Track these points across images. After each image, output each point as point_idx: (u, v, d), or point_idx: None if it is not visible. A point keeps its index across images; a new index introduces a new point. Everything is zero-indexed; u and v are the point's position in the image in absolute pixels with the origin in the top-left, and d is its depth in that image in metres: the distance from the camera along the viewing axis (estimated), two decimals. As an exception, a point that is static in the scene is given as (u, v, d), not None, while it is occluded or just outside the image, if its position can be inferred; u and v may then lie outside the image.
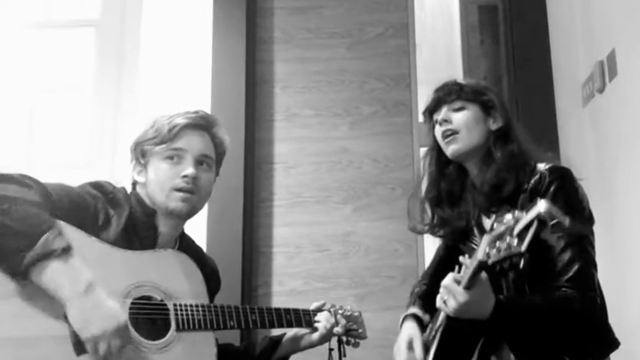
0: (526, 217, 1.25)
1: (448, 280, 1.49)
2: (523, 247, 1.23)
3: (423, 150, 2.97)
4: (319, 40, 3.11)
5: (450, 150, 1.79)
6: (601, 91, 2.46)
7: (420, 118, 3.00)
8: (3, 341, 1.39)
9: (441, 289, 1.51)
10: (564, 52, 2.93)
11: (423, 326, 1.84)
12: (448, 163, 1.85)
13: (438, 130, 1.82)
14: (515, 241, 1.25)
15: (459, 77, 1.93)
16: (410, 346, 1.77)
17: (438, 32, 4.06)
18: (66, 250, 1.42)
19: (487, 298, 1.48)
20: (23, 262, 1.38)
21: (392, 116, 3.02)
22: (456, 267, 1.57)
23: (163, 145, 1.72)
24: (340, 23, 3.12)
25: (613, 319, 1.65)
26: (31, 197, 1.46)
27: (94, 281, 1.44)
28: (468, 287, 1.43)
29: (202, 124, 1.78)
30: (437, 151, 1.87)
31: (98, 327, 1.41)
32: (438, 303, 1.55)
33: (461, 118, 1.78)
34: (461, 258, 1.54)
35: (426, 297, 1.90)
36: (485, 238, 1.37)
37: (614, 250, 2.28)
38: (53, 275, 1.40)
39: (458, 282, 1.47)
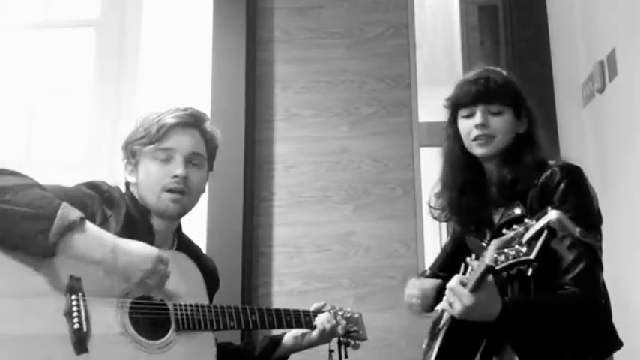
0: (536, 225, 1.24)
1: (454, 282, 1.48)
2: (532, 255, 1.22)
3: (423, 150, 3.00)
4: (319, 40, 3.11)
5: (480, 151, 1.73)
6: (601, 91, 2.47)
7: (421, 118, 3.02)
8: (2, 340, 1.38)
9: (447, 291, 1.50)
10: (564, 52, 2.93)
11: None
12: (469, 153, 1.79)
13: (468, 128, 1.74)
14: (525, 248, 1.24)
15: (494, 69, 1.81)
16: (422, 289, 1.83)
17: (438, 32, 4.07)
18: (83, 220, 1.46)
19: (493, 301, 1.47)
20: (48, 241, 1.40)
21: (392, 116, 3.02)
22: (462, 267, 1.57)
23: (152, 146, 1.71)
24: (340, 23, 3.12)
25: (614, 317, 1.64)
26: (30, 182, 1.48)
27: (116, 239, 1.50)
28: (474, 290, 1.43)
29: (191, 121, 1.77)
30: (460, 140, 1.79)
31: (139, 271, 1.50)
32: (444, 304, 1.54)
33: (499, 123, 1.72)
34: (468, 259, 1.53)
35: None
36: (494, 243, 1.36)
37: (615, 249, 2.28)
38: (81, 245, 1.44)
39: (464, 284, 1.46)
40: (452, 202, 1.81)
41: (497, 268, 1.32)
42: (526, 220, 1.29)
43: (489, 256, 1.34)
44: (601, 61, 2.44)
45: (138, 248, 1.52)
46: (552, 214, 1.21)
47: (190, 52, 3.02)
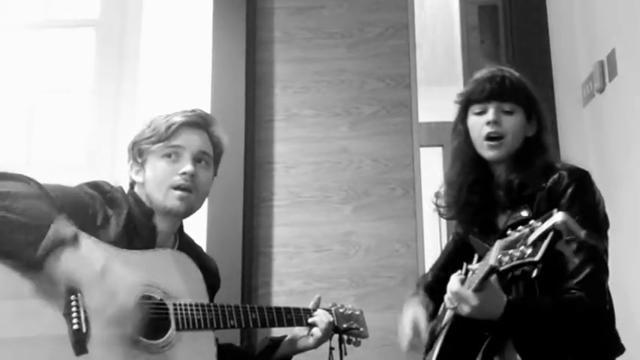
0: (542, 227, 1.23)
1: (456, 285, 1.48)
2: (537, 257, 1.21)
3: (423, 150, 3.00)
4: (319, 40, 3.10)
5: (490, 154, 1.72)
6: (601, 91, 2.47)
7: (421, 118, 3.02)
8: (2, 341, 1.38)
9: (450, 294, 1.50)
10: (564, 52, 2.93)
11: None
12: (477, 153, 1.77)
13: (479, 125, 1.73)
14: (530, 250, 1.23)
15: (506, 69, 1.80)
16: (414, 329, 1.76)
17: (438, 32, 4.07)
18: (76, 237, 1.44)
19: (498, 298, 1.48)
20: (36, 254, 1.39)
21: (392, 116, 3.02)
22: (463, 268, 1.57)
23: (161, 144, 1.71)
24: (340, 23, 3.11)
25: (617, 320, 1.64)
26: (31, 190, 1.47)
27: (107, 262, 1.46)
28: (477, 290, 1.43)
29: (200, 122, 1.78)
30: (469, 138, 1.77)
31: (122, 302, 1.44)
32: (448, 305, 1.55)
33: (510, 122, 1.71)
34: (468, 265, 1.54)
35: (432, 289, 1.89)
36: (498, 244, 1.35)
37: (615, 251, 2.27)
38: (68, 263, 1.42)
39: (462, 281, 1.46)
40: (458, 201, 1.80)
41: (501, 269, 1.31)
42: (531, 222, 1.28)
43: (493, 256, 1.34)
44: (601, 61, 2.44)
45: (129, 280, 1.48)
46: (558, 216, 1.21)
47: (190, 52, 3.02)
